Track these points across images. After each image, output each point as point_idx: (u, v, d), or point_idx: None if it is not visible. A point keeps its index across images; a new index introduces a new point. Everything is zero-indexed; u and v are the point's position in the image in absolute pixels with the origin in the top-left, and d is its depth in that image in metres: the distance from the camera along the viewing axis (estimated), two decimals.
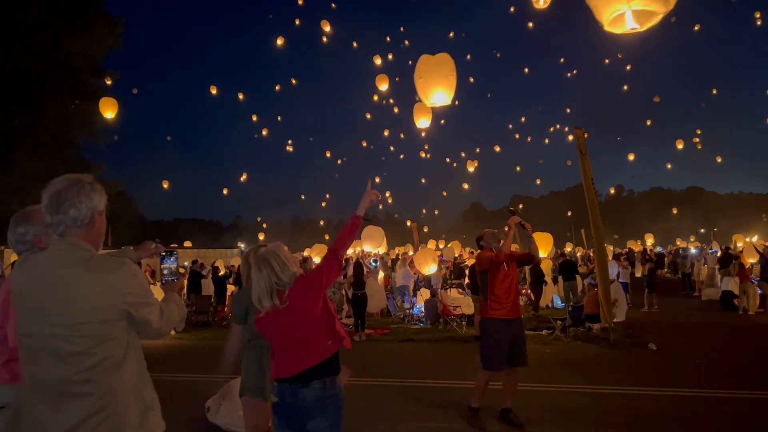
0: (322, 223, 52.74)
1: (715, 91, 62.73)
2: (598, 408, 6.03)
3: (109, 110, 17.46)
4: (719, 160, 40.09)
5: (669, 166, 48.83)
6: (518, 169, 58.03)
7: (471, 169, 33.36)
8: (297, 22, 30.23)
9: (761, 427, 5.46)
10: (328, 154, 49.78)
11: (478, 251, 5.85)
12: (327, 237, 53.11)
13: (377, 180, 49.47)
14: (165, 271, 2.47)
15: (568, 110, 69.73)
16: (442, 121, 48.27)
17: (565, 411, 5.93)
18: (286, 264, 2.73)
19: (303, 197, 65.31)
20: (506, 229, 5.68)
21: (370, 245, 15.74)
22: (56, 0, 23.18)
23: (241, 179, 38.77)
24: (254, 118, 36.21)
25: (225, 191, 41.92)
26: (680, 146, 32.23)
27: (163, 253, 2.49)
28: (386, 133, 39.70)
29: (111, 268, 1.96)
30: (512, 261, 5.51)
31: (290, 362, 2.68)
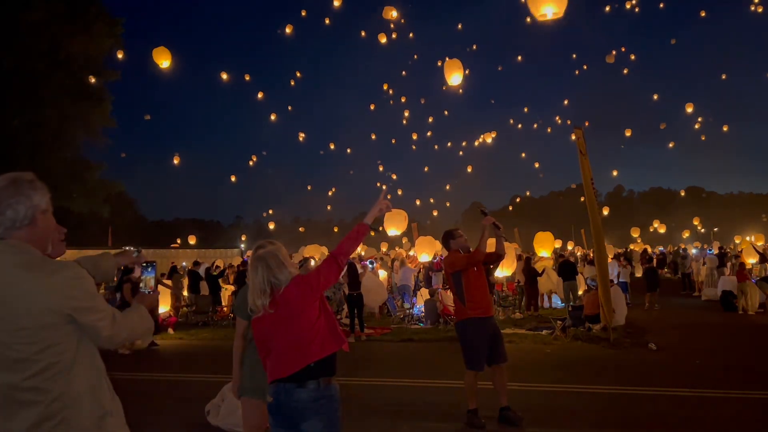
0: (329, 207, 52.77)
1: (724, 76, 61.81)
2: (598, 408, 6.03)
3: (163, 58, 17.16)
4: (725, 128, 39.00)
5: (672, 144, 47.99)
6: (523, 155, 57.33)
7: (489, 140, 33.10)
8: (302, 12, 29.96)
9: (761, 426, 5.46)
10: (331, 146, 49.80)
11: (447, 254, 5.84)
12: (337, 229, 53.10)
13: (380, 168, 49.55)
14: (141, 284, 2.43)
15: (566, 102, 69.49)
16: (446, 112, 48.22)
17: (565, 411, 5.93)
18: (283, 264, 2.74)
19: (309, 188, 65.15)
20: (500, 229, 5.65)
21: (394, 228, 15.78)
22: (56, 0, 23.18)
23: (250, 163, 39.03)
24: (260, 95, 35.76)
25: (233, 178, 42.41)
26: (690, 109, 30.98)
27: (144, 264, 2.45)
28: (406, 114, 39.19)
29: (51, 270, 1.86)
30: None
31: (286, 362, 2.68)
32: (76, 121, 25.21)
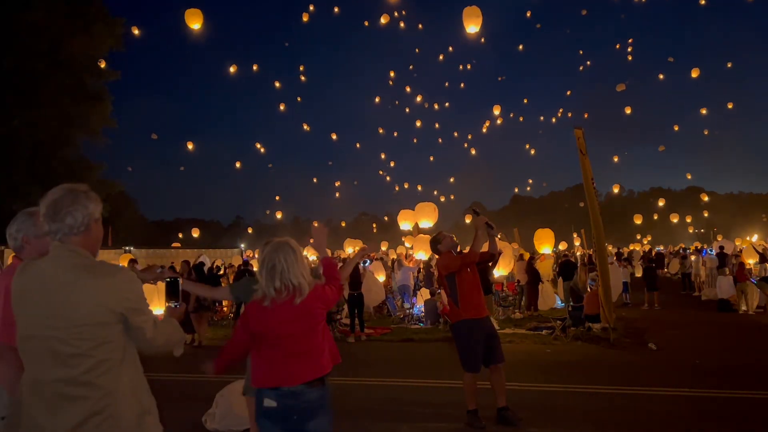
0: (338, 195, 52.36)
1: (730, 65, 60.95)
2: (598, 408, 6.03)
3: (195, 21, 17.06)
4: (730, 105, 38.00)
5: (677, 127, 47.44)
6: (528, 147, 56.94)
7: (496, 112, 33.19)
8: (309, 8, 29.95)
9: (761, 426, 5.46)
10: (333, 137, 49.50)
11: (438, 256, 5.82)
12: (344, 224, 52.64)
13: (382, 156, 49.40)
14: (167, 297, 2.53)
15: (569, 93, 69.05)
16: (446, 105, 48.15)
17: (565, 411, 5.93)
18: (301, 261, 2.78)
19: (315, 180, 64.91)
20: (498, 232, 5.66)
21: (425, 220, 16.02)
22: (56, 0, 23.16)
23: (261, 150, 38.77)
24: (277, 85, 35.36)
25: (238, 164, 42.24)
26: (695, 75, 30.50)
27: (168, 279, 2.54)
28: (417, 99, 38.90)
29: (109, 272, 2.01)
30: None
31: (297, 371, 2.71)
32: (76, 121, 25.16)
